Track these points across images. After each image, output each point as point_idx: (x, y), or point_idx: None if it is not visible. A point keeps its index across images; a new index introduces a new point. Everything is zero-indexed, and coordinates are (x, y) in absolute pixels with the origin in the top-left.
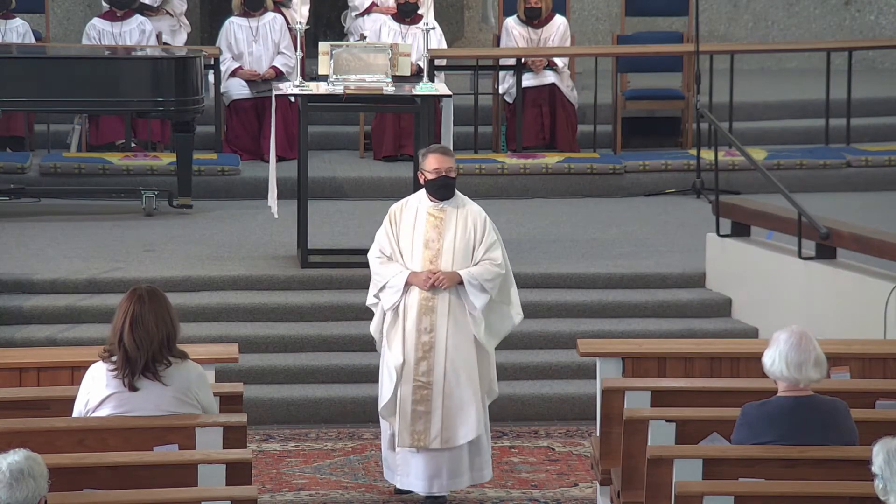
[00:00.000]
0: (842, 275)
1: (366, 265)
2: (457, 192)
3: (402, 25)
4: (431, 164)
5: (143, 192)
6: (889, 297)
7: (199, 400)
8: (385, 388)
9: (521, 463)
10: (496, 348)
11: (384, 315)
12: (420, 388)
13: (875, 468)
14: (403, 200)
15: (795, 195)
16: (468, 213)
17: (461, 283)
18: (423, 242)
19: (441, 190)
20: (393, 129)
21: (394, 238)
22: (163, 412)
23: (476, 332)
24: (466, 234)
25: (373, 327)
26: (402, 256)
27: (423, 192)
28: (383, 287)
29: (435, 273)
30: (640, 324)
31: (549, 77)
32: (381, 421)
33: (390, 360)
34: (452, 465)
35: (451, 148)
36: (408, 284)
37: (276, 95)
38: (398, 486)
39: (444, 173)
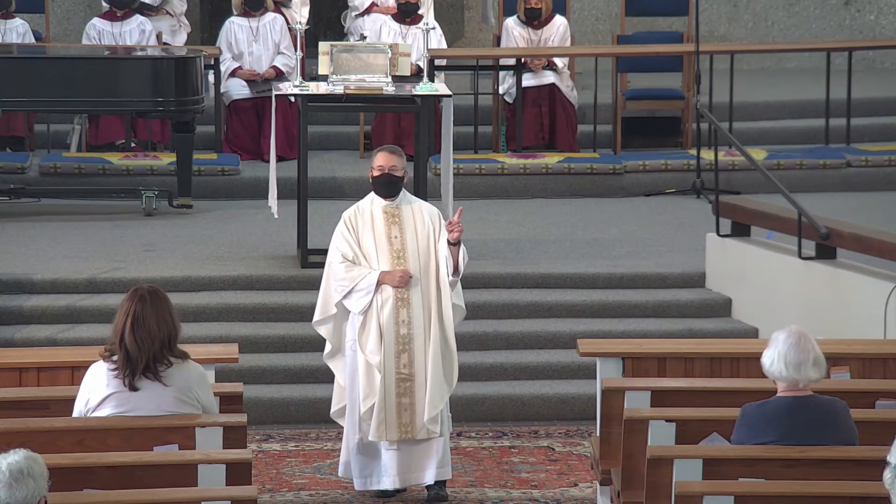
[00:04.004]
0: (842, 275)
1: None
2: (406, 192)
3: (402, 25)
4: (378, 161)
5: (143, 192)
6: (889, 297)
7: (199, 400)
8: (364, 390)
9: (521, 463)
10: (497, 348)
11: (350, 320)
12: (403, 380)
13: (890, 457)
14: (355, 206)
15: (795, 195)
16: (422, 210)
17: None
18: (386, 240)
19: (386, 187)
20: (393, 129)
21: (354, 242)
22: (163, 412)
23: (454, 298)
24: (425, 230)
25: (341, 339)
26: (365, 259)
27: (372, 194)
28: (350, 292)
29: (405, 274)
30: (640, 324)
31: (549, 77)
32: (348, 430)
33: (368, 358)
34: (438, 453)
35: (452, 147)
36: (379, 284)
37: (276, 95)
38: (381, 487)
39: (387, 171)
